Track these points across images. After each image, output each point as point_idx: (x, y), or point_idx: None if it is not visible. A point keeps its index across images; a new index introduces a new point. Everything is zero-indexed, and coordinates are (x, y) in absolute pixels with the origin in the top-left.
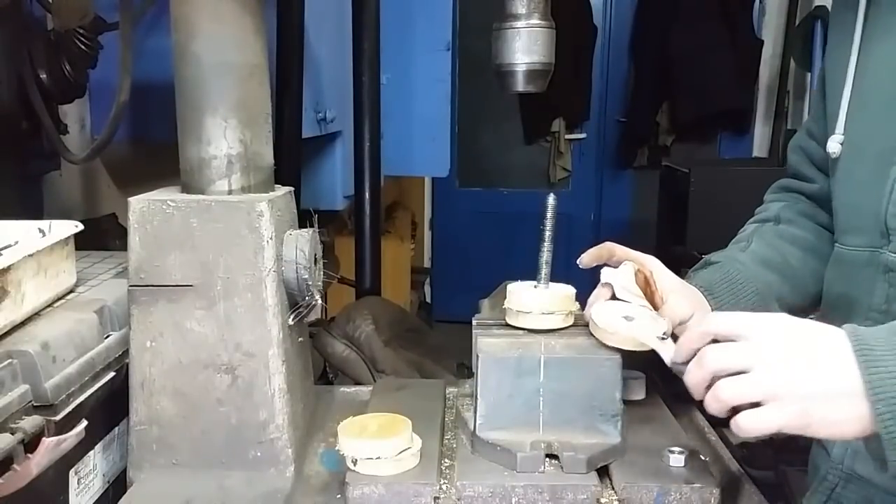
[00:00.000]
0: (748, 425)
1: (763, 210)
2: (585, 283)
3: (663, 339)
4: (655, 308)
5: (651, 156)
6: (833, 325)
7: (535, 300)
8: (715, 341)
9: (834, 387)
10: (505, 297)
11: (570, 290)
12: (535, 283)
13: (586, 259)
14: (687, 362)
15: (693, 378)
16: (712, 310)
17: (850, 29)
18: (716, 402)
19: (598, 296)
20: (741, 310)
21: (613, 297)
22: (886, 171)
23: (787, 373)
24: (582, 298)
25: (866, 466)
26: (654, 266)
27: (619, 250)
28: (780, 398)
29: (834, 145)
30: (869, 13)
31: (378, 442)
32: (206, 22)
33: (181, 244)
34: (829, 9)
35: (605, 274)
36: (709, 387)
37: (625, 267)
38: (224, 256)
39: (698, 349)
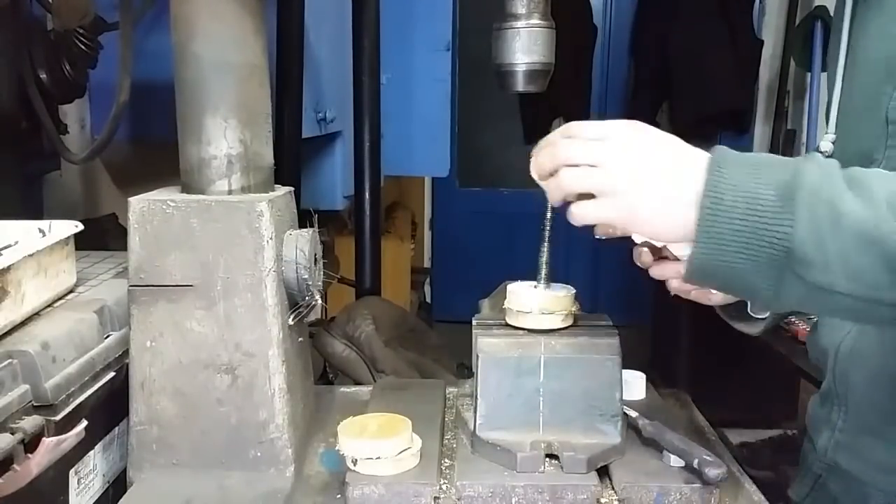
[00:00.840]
0: (576, 213)
1: None
2: (585, 283)
3: None
4: None
5: None
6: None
7: (535, 300)
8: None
9: (672, 193)
10: (505, 297)
11: (569, 290)
12: (534, 283)
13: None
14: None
15: (541, 167)
16: None
17: (839, 29)
18: (556, 190)
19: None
20: None
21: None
22: (874, 163)
23: (627, 170)
24: (583, 299)
25: (847, 459)
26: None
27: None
28: (612, 193)
29: (826, 144)
30: (855, 13)
31: (378, 442)
32: (206, 22)
33: (181, 244)
34: (829, 9)
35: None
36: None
37: None
38: (224, 256)
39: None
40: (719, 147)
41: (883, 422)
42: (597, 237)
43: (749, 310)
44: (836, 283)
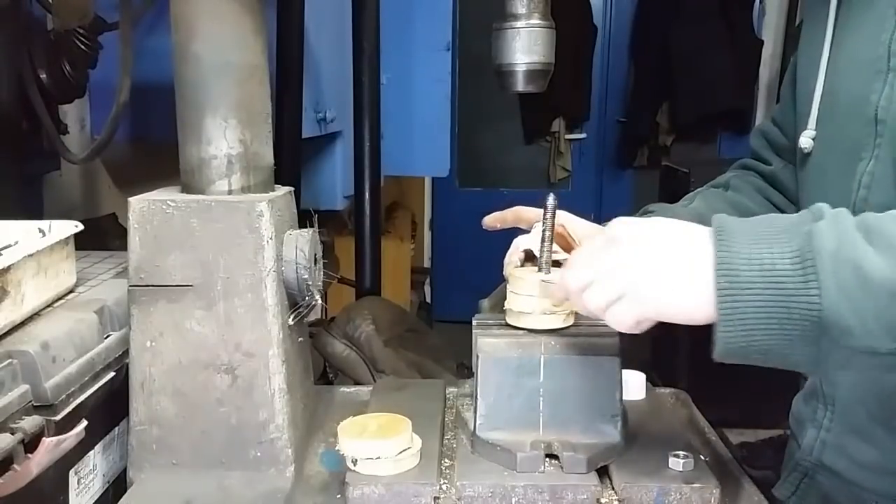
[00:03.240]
0: (611, 321)
1: (717, 179)
2: None
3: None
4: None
5: (651, 156)
6: None
7: (535, 301)
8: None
9: (688, 273)
10: (505, 297)
11: None
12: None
13: (489, 221)
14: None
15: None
16: None
17: (822, 25)
18: (585, 312)
19: (511, 255)
20: None
21: (529, 258)
22: (854, 167)
23: (637, 267)
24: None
25: (834, 458)
26: (566, 219)
27: (528, 213)
28: (632, 292)
29: (806, 140)
30: (840, 10)
31: (378, 442)
32: (206, 22)
33: (181, 244)
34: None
35: (520, 241)
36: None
37: (536, 228)
38: (224, 256)
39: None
40: (718, 217)
41: (870, 422)
42: (484, 227)
43: None
44: (880, 344)
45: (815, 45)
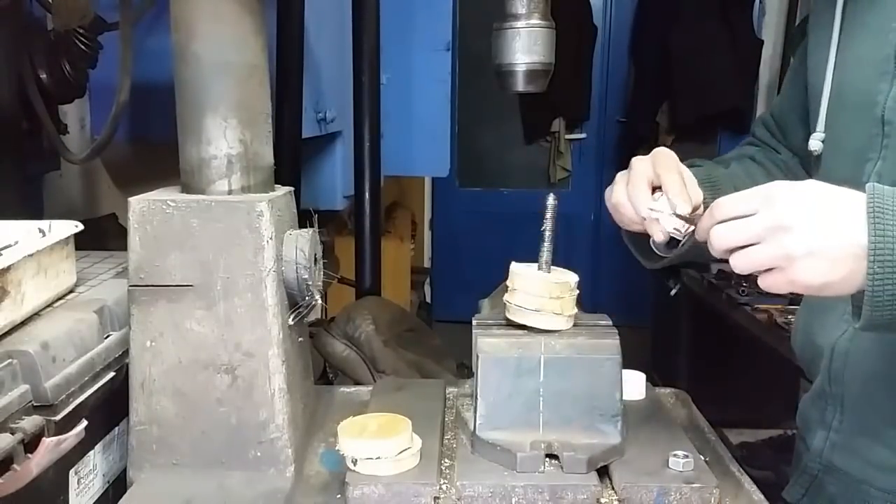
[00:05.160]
0: (763, 285)
1: (740, 149)
2: (585, 283)
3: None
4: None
5: None
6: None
7: (536, 299)
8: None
9: (842, 252)
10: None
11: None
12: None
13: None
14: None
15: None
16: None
17: (829, 28)
18: (715, 247)
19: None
20: None
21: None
22: (862, 168)
23: (782, 224)
24: (583, 299)
25: (844, 459)
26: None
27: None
28: (767, 241)
29: (815, 143)
30: (846, 12)
31: (378, 442)
32: (206, 22)
33: (181, 244)
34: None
35: (656, 203)
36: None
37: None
38: (224, 256)
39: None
40: (873, 191)
41: (881, 422)
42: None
43: (651, 244)
44: None
45: (822, 48)
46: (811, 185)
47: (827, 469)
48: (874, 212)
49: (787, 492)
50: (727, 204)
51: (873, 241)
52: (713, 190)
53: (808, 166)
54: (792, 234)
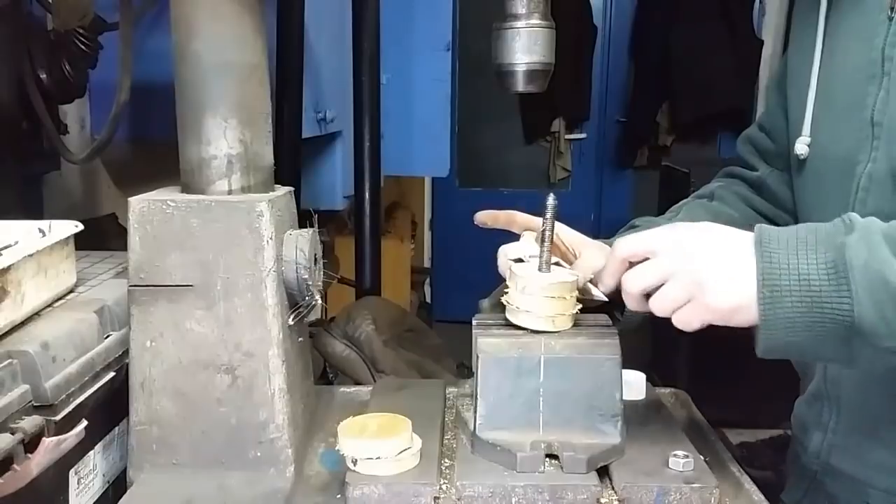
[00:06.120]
0: (679, 323)
1: (702, 189)
2: None
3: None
4: (569, 263)
5: (651, 156)
6: None
7: (535, 301)
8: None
9: (731, 272)
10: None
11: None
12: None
13: (481, 216)
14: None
15: (629, 301)
16: None
17: (813, 31)
18: (627, 296)
19: (500, 265)
20: None
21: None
22: (852, 171)
23: (686, 256)
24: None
25: (842, 459)
26: (558, 229)
27: (521, 218)
28: (677, 275)
29: (801, 147)
30: (830, 15)
31: (378, 442)
32: (206, 22)
33: (181, 244)
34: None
35: (507, 249)
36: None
37: (526, 236)
38: (224, 256)
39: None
40: (759, 227)
41: (878, 423)
42: (476, 222)
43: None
44: None
45: (804, 51)
46: (706, 224)
47: (825, 470)
48: (760, 242)
49: (786, 494)
50: (627, 244)
51: (761, 267)
52: None
53: (790, 175)
54: (697, 261)
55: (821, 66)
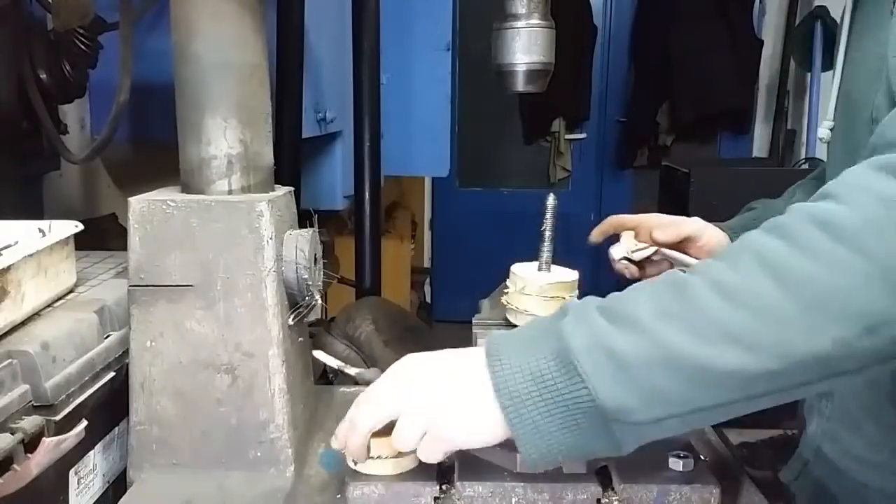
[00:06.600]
0: (423, 457)
1: (815, 173)
2: (585, 283)
3: None
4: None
5: (651, 156)
6: None
7: (534, 301)
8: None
9: (476, 401)
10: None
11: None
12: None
13: (595, 236)
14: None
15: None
16: (730, 236)
17: (841, 24)
18: (354, 436)
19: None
20: None
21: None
22: (854, 164)
23: (431, 404)
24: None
25: (830, 447)
26: (653, 220)
27: (616, 220)
28: (411, 411)
29: (823, 131)
30: (855, 9)
31: (378, 442)
32: (206, 22)
33: (181, 244)
34: (829, 9)
35: (613, 251)
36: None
37: (625, 235)
38: (224, 256)
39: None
40: (487, 337)
41: (861, 413)
42: (591, 242)
43: None
44: (666, 410)
45: (837, 43)
46: (437, 353)
47: (816, 455)
48: (489, 353)
49: (782, 473)
50: (361, 399)
51: (494, 378)
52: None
53: None
54: (418, 389)
55: (844, 60)
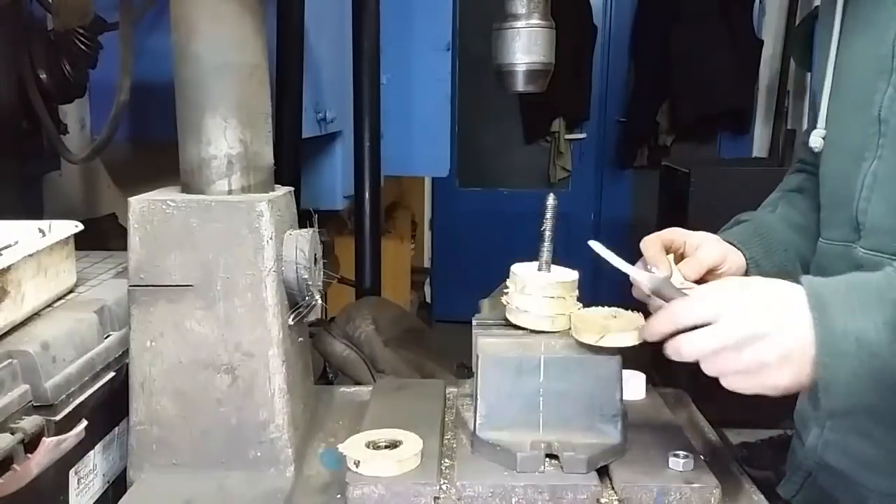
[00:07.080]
0: (730, 386)
1: (785, 182)
2: (585, 283)
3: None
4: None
5: (651, 156)
6: None
7: (534, 302)
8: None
9: (789, 349)
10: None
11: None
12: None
13: (652, 251)
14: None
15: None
16: (745, 259)
17: (831, 26)
18: (675, 357)
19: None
20: (772, 264)
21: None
22: (858, 166)
23: (749, 330)
24: (583, 299)
25: (835, 457)
26: (678, 235)
27: (664, 238)
28: (740, 348)
29: (816, 139)
30: (847, 10)
31: (607, 323)
32: (206, 22)
33: (181, 244)
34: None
35: (646, 281)
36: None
37: (674, 270)
38: (224, 256)
39: (667, 333)
40: (810, 286)
41: (871, 421)
42: (646, 255)
43: None
44: None
45: (824, 44)
46: (759, 287)
47: (821, 466)
48: (815, 306)
49: (781, 487)
50: (684, 309)
51: (818, 333)
52: (763, 243)
53: None
54: (765, 341)
55: (836, 59)
